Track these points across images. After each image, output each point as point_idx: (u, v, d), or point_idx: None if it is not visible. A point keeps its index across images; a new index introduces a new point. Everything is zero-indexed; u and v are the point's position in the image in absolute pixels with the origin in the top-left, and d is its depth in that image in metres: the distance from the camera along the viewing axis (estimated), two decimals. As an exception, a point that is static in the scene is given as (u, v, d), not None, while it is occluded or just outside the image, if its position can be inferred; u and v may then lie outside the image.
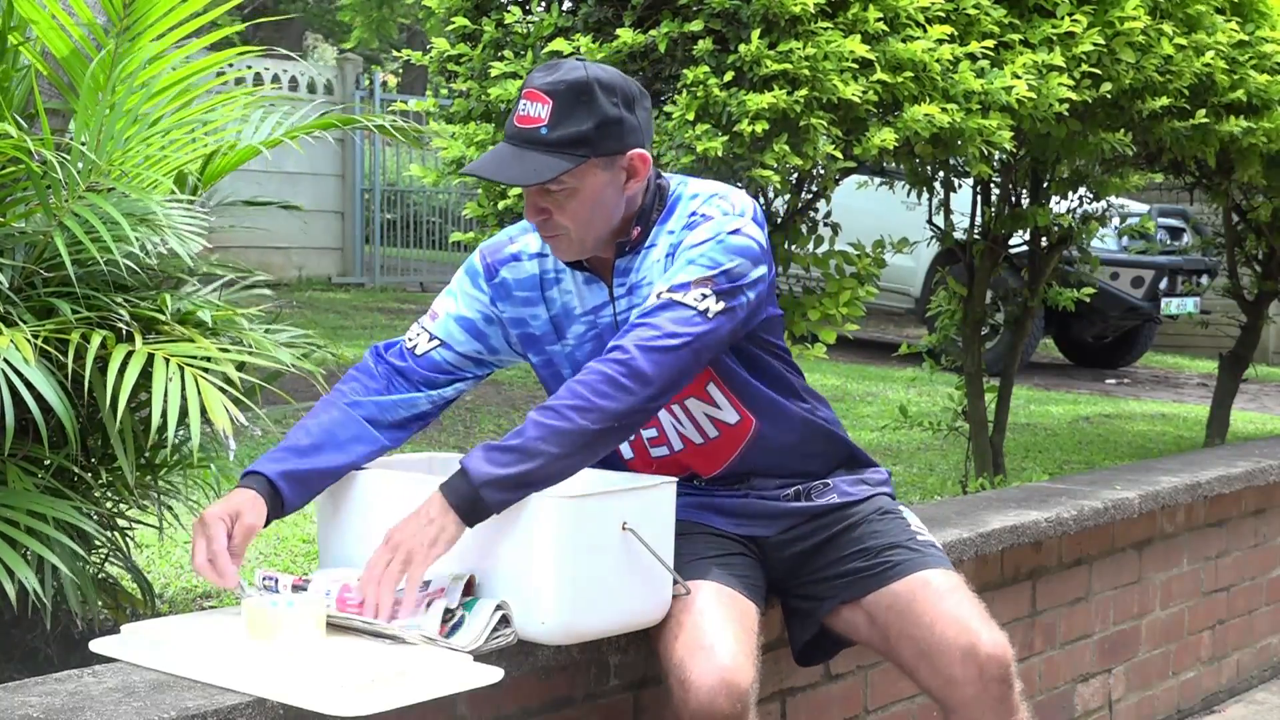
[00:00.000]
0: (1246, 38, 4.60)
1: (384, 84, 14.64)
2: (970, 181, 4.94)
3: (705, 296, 2.35)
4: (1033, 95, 3.73)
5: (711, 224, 2.41)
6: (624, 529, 2.26)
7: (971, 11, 3.69)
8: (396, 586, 2.18)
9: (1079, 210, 5.18)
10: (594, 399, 2.25)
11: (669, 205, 2.49)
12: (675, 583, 2.37)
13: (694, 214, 2.45)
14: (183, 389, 2.39)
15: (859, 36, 3.39)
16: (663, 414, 2.52)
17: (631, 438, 2.53)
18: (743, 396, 2.54)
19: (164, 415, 2.34)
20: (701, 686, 2.27)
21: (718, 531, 2.59)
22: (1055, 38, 3.91)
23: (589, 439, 2.25)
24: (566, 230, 2.40)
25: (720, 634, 2.33)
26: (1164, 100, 4.27)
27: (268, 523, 2.33)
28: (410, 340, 2.56)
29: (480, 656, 2.17)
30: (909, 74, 3.50)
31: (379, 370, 2.54)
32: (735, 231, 2.41)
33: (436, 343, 2.55)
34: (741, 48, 3.29)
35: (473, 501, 2.19)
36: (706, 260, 2.37)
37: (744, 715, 2.30)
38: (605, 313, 2.51)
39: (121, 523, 2.91)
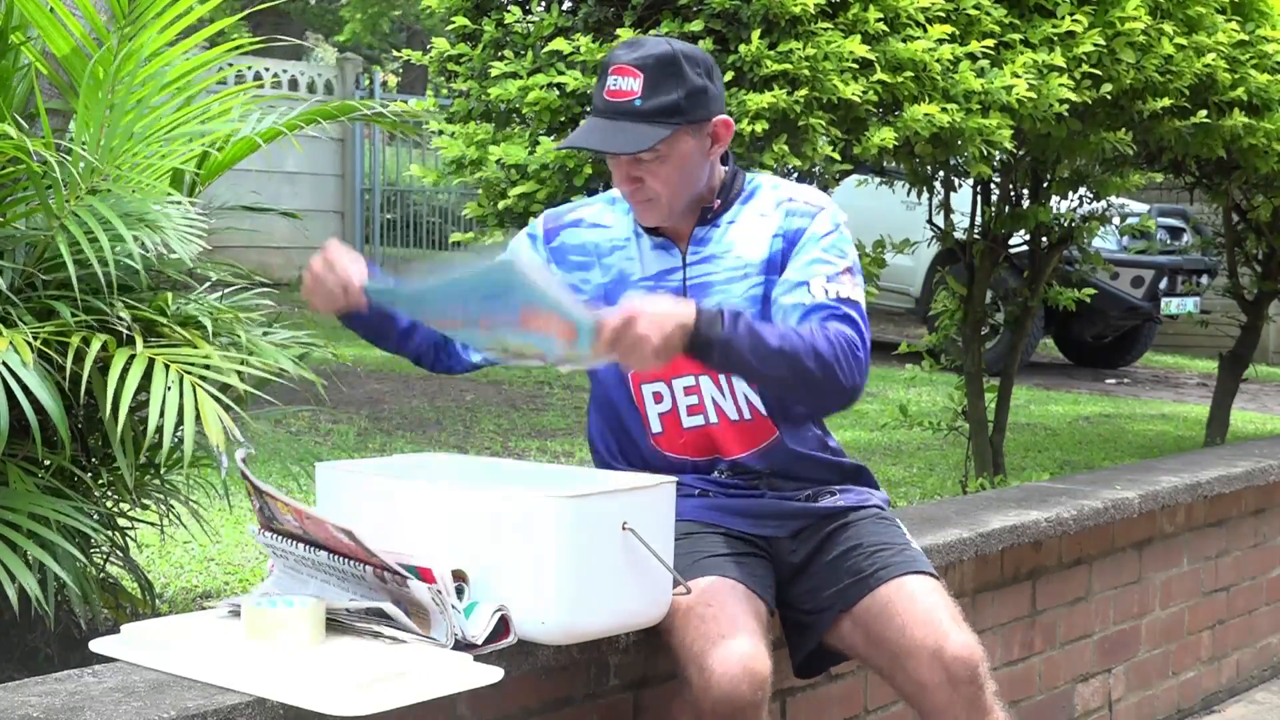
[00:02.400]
0: (1247, 38, 4.60)
1: (384, 84, 14.63)
2: (970, 181, 4.94)
3: (861, 293, 2.51)
4: (1033, 95, 3.73)
5: (828, 215, 2.56)
6: (624, 529, 2.26)
7: (972, 11, 3.69)
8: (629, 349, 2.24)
9: (1079, 210, 5.18)
10: (833, 360, 2.38)
11: (747, 190, 2.61)
12: (675, 583, 2.37)
13: (795, 200, 2.57)
14: (180, 397, 2.39)
15: (859, 36, 3.39)
16: (707, 383, 2.57)
17: (665, 409, 2.59)
18: (766, 402, 2.59)
19: (160, 422, 2.35)
20: (725, 675, 2.27)
21: (730, 531, 2.60)
22: (1055, 38, 3.91)
23: (802, 384, 2.39)
24: (657, 196, 2.50)
25: (737, 624, 2.34)
26: (1165, 100, 4.27)
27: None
28: None
29: (480, 656, 2.17)
30: (909, 74, 3.50)
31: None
32: (845, 222, 2.57)
33: None
34: (741, 48, 3.29)
35: (707, 346, 2.30)
36: (837, 250, 2.53)
37: (762, 705, 2.30)
38: (674, 278, 2.57)
39: (122, 523, 2.91)
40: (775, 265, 2.54)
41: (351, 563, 2.22)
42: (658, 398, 2.59)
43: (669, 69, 2.44)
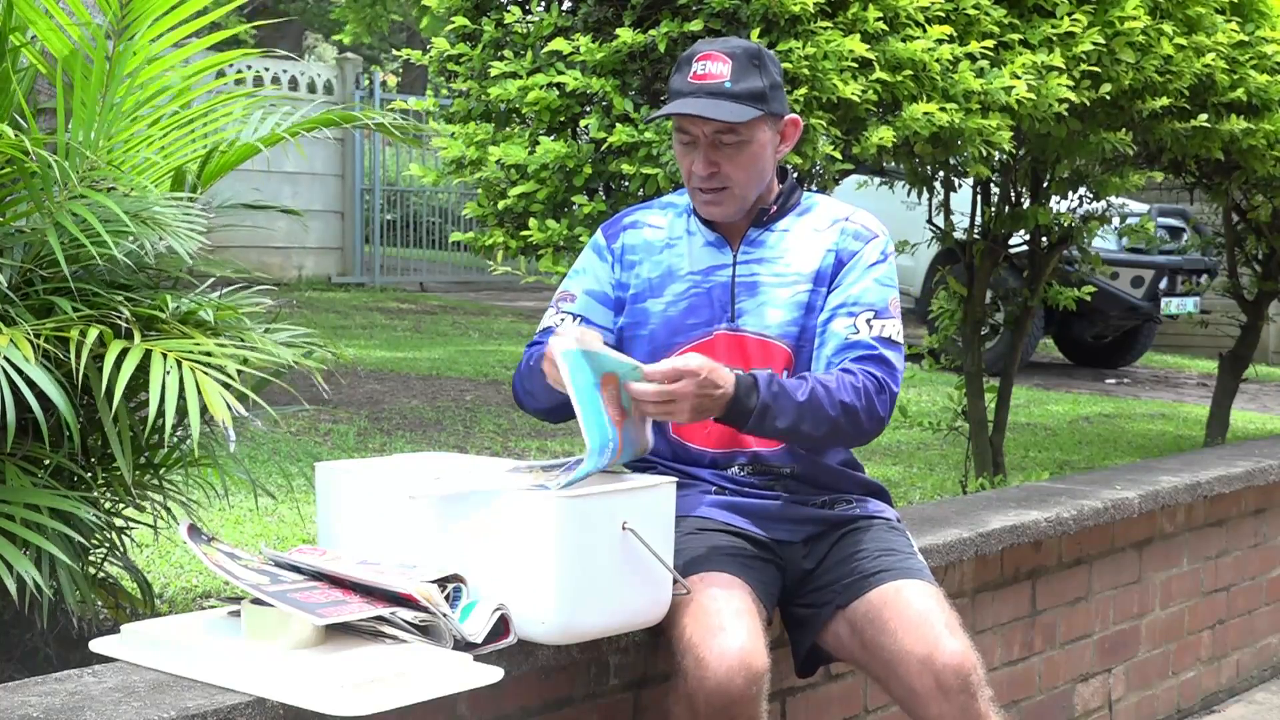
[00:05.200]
0: (1246, 38, 4.60)
1: (384, 84, 14.63)
2: (970, 181, 4.94)
3: (899, 328, 2.61)
4: (1032, 95, 3.73)
5: (881, 243, 2.66)
6: (624, 529, 2.26)
7: (971, 11, 3.69)
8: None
9: (1079, 210, 5.18)
10: (857, 407, 2.50)
11: (804, 205, 2.71)
12: (675, 582, 2.37)
13: (852, 221, 2.67)
14: (180, 383, 2.38)
15: (858, 36, 3.39)
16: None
17: None
18: None
19: (161, 410, 2.33)
20: (719, 666, 2.27)
21: (741, 532, 2.61)
22: (1055, 38, 3.91)
23: (830, 433, 2.51)
24: (731, 184, 2.58)
25: (735, 619, 2.35)
26: (1164, 100, 4.27)
27: None
28: (557, 327, 2.66)
29: (480, 656, 2.17)
30: (909, 73, 3.51)
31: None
32: (894, 254, 2.68)
33: (579, 320, 2.67)
34: (741, 47, 3.29)
35: (743, 416, 2.42)
36: (888, 279, 2.63)
37: (757, 701, 2.30)
38: (722, 273, 2.65)
39: (120, 522, 2.91)
40: (824, 278, 2.62)
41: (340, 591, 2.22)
42: None
43: (755, 60, 2.55)
